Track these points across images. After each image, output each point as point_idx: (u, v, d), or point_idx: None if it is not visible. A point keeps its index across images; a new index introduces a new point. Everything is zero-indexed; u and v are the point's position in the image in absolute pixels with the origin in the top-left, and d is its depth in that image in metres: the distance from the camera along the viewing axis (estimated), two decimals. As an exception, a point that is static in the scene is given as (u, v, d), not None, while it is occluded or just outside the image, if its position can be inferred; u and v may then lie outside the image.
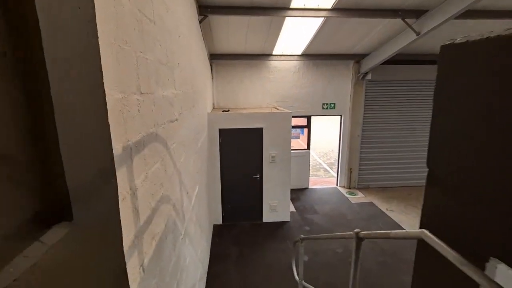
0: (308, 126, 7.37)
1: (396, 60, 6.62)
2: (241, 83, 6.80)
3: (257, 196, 5.54)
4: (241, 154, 5.33)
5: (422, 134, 7.45)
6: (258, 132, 5.27)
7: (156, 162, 1.54)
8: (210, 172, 5.29)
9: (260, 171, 5.42)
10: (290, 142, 5.38)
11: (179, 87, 2.25)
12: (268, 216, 5.67)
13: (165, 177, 1.72)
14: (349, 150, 7.35)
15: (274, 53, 6.49)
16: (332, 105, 7.15)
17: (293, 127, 6.87)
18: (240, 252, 4.64)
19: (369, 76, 6.64)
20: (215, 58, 6.45)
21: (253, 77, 6.80)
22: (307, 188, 7.63)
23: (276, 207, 5.61)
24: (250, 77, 6.79)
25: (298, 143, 7.62)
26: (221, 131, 5.21)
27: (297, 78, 6.90)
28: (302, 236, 2.79)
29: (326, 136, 15.33)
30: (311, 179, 7.91)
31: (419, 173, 7.70)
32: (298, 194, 7.17)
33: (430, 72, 6.75)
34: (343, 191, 7.37)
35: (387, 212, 6.12)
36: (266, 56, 6.58)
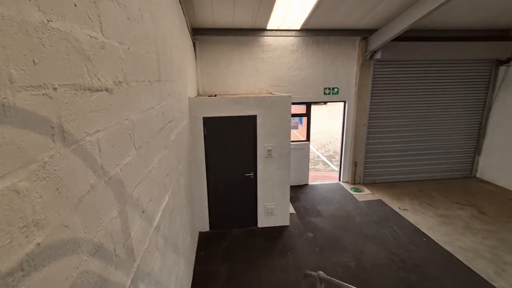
0: (307, 114, 6.46)
1: (409, 36, 5.74)
2: (230, 65, 5.79)
3: (251, 197, 4.64)
4: (231, 148, 4.39)
5: (437, 121, 6.65)
6: (251, 121, 4.33)
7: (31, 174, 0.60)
8: (194, 170, 4.34)
9: (254, 168, 4.50)
10: (289, 132, 4.46)
11: (117, 33, 1.28)
12: (264, 221, 4.78)
13: (62, 203, 0.76)
14: (354, 141, 6.50)
15: (268, 27, 5.49)
16: (335, 90, 6.24)
17: (292, 115, 6.02)
18: (230, 271, 3.74)
19: (378, 55, 5.74)
20: (198, 33, 5.41)
21: (243, 57, 5.80)
22: (307, 184, 6.78)
23: (273, 210, 4.72)
24: (240, 57, 5.79)
25: (295, 134, 6.73)
26: (206, 121, 4.24)
27: (295, 58, 5.94)
28: (321, 273, 1.89)
29: (323, 125, 14.50)
30: (311, 173, 7.05)
31: (433, 166, 6.94)
32: (297, 192, 6.31)
33: (449, 50, 5.90)
34: (347, 187, 6.55)
35: (400, 212, 5.33)
36: (258, 31, 5.58)
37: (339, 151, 10.18)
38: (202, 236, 4.57)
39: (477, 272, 3.65)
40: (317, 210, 5.46)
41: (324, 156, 9.63)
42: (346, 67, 6.13)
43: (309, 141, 6.59)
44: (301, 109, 6.50)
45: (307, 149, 6.59)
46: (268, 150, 4.43)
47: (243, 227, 4.76)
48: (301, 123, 6.85)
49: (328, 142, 11.53)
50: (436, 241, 4.37)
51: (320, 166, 8.61)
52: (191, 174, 4.00)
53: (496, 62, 6.33)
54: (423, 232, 4.62)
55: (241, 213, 4.70)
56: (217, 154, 4.39)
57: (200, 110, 4.19)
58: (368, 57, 5.92)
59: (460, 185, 6.60)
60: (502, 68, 6.28)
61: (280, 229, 4.77)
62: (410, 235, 4.56)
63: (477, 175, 7.03)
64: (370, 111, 6.37)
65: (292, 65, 5.93)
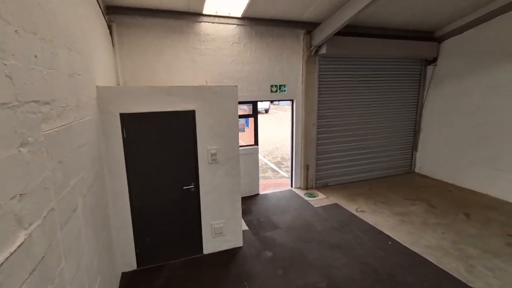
0: (254, 115, 5.78)
1: (352, 32, 5.65)
2: (160, 55, 4.76)
3: (193, 216, 3.62)
4: (162, 154, 3.34)
5: (379, 119, 6.71)
6: (188, 117, 3.38)
7: None
8: (110, 186, 3.14)
9: (195, 177, 3.52)
10: (237, 130, 3.65)
11: None
12: (211, 245, 3.79)
13: None
14: (304, 142, 6.06)
15: (204, 12, 4.69)
16: (282, 88, 5.74)
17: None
18: (166, 325, 2.64)
19: (323, 50, 5.46)
20: (116, 12, 4.27)
21: (177, 47, 4.84)
22: (258, 194, 6.02)
23: (222, 229, 3.78)
24: (174, 47, 4.81)
25: (243, 138, 5.99)
26: (126, 118, 3.13)
27: (237, 51, 5.24)
28: None
29: (267, 132, 14.17)
30: (261, 182, 6.34)
31: (378, 163, 6.96)
32: (247, 204, 5.48)
33: (385, 47, 5.99)
34: (301, 193, 6.02)
35: (358, 214, 4.97)
36: (193, 16, 4.73)
37: (287, 157, 9.88)
38: (126, 279, 3.32)
39: (451, 273, 3.34)
40: (273, 223, 4.71)
41: (272, 163, 9.10)
42: (292, 63, 5.71)
43: (257, 145, 5.89)
44: (247, 110, 5.79)
45: (256, 154, 5.87)
46: (212, 154, 3.51)
47: (184, 256, 3.68)
48: (247, 125, 6.14)
49: (274, 148, 11.14)
50: (401, 242, 4.03)
51: (269, 173, 8.00)
52: (103, 191, 2.81)
53: (424, 61, 6.76)
54: (387, 235, 4.26)
55: (181, 238, 3.62)
56: (143, 163, 3.28)
57: (116, 103, 3.06)
58: (313, 53, 5.61)
59: (404, 180, 6.73)
60: (430, 68, 6.73)
61: (233, 252, 3.83)
62: (375, 239, 4.15)
63: (416, 170, 7.34)
64: (318, 110, 6.04)
65: (235, 58, 5.21)
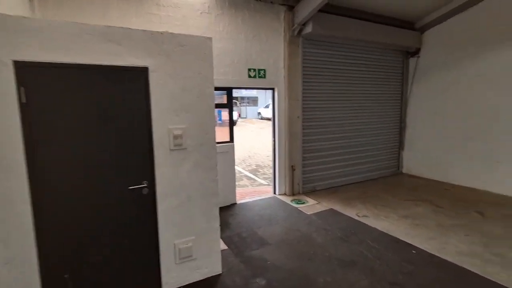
0: (229, 105, 4.72)
1: (337, 13, 5.00)
2: (103, 19, 3.54)
3: (145, 232, 2.35)
4: (94, 134, 2.09)
5: (366, 114, 6.07)
6: (138, 79, 2.20)
7: None
8: (-12, 188, 1.79)
9: (148, 172, 2.29)
10: (212, 104, 2.55)
11: None
12: (175, 275, 2.51)
13: None
14: (289, 139, 5.11)
15: (165, -35, 3.65)
16: (262, 73, 4.80)
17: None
18: None
19: (308, 28, 4.69)
20: None
21: (127, 11, 3.68)
22: (235, 204, 4.85)
23: (191, 251, 2.54)
24: (122, 10, 3.64)
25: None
26: (26, 71, 1.87)
27: (207, 23, 4.23)
28: None
29: (239, 141, 13.08)
30: (237, 190, 5.19)
31: (367, 164, 6.25)
32: (223, 216, 4.27)
33: (372, 31, 5.46)
34: (287, 200, 4.98)
35: (362, 220, 4.06)
36: (150, -31, 3.65)
37: (262, 164, 8.87)
38: None
39: (506, 285, 2.50)
40: (260, 237, 3.57)
41: (246, 170, 8.00)
42: (272, 44, 4.84)
43: (233, 142, 4.79)
44: (220, 98, 4.72)
45: (232, 153, 4.76)
46: (176, 137, 2.35)
47: (131, 298, 2.35)
48: (220, 119, 5.03)
49: (247, 157, 10.09)
50: (427, 250, 3.16)
51: (245, 181, 6.87)
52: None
53: (406, 53, 6.39)
54: (405, 242, 3.37)
55: (125, 270, 2.30)
56: (59, 150, 1.99)
57: (8, 43, 1.80)
58: (296, 32, 4.82)
59: (395, 182, 6.08)
60: (413, 60, 6.37)
61: (208, 284, 2.60)
62: (393, 248, 3.23)
63: (404, 171, 6.79)
64: (303, 100, 5.19)
65: (204, 32, 4.17)
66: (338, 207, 4.58)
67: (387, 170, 6.61)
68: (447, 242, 3.33)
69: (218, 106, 4.67)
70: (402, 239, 3.44)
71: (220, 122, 4.98)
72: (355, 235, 3.58)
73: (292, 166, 5.16)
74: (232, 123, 4.75)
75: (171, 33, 2.31)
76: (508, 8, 4.75)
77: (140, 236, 2.32)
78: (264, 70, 4.80)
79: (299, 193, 5.31)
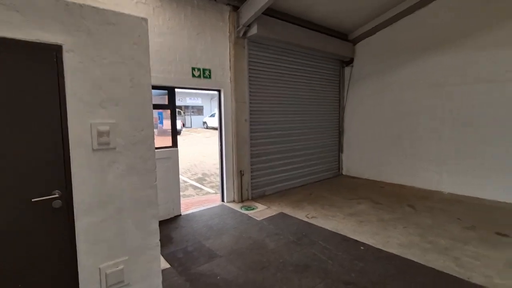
0: (171, 106, 4.30)
1: (280, 18, 5.09)
2: None
3: (58, 257, 1.81)
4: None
5: (309, 119, 6.28)
6: (48, 58, 1.72)
7: None
8: None
9: (63, 180, 1.78)
10: (149, 95, 2.17)
11: None
12: (101, 309, 2.00)
13: None
14: (237, 143, 4.91)
15: None
16: (207, 73, 4.53)
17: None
18: None
19: (254, 30, 4.63)
20: None
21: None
22: (180, 216, 4.38)
23: (122, 275, 2.06)
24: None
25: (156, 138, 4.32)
26: None
27: (144, 15, 3.79)
28: None
29: (183, 150, 12.34)
30: (182, 201, 4.72)
31: (311, 167, 6.43)
32: (165, 230, 3.79)
33: (313, 39, 5.71)
34: (236, 207, 4.73)
35: (311, 221, 4.04)
36: None
37: (209, 172, 8.42)
38: None
39: (446, 271, 2.69)
40: (208, 250, 3.22)
41: (192, 180, 7.48)
42: (218, 44, 4.63)
43: (176, 147, 4.36)
44: (160, 99, 4.27)
45: (175, 160, 4.31)
46: (101, 134, 1.90)
47: None
48: (161, 122, 4.54)
49: (193, 165, 9.52)
50: (373, 245, 3.26)
51: (190, 191, 6.37)
52: None
53: (342, 62, 6.89)
54: (353, 239, 3.43)
55: (29, 312, 1.72)
56: None
57: None
58: (241, 34, 4.72)
59: (337, 183, 6.39)
60: (348, 69, 6.90)
61: (146, 314, 2.15)
62: (343, 247, 3.24)
63: (344, 173, 7.21)
64: (251, 103, 5.08)
65: (141, 23, 3.73)
66: (288, 210, 4.51)
67: (329, 172, 6.92)
68: (390, 236, 3.50)
69: (159, 107, 4.21)
70: (351, 236, 3.50)
71: (161, 125, 4.50)
72: (307, 237, 3.51)
73: (240, 171, 4.95)
74: (175, 126, 4.32)
75: (94, 7, 1.90)
76: (424, 23, 5.49)
77: (51, 264, 1.77)
78: (210, 70, 4.54)
79: (248, 199, 5.11)
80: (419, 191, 5.50)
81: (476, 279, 2.52)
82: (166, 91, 4.19)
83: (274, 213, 4.41)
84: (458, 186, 5.22)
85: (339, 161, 7.20)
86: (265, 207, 4.73)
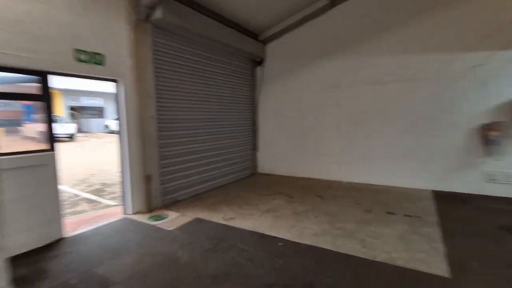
0: (45, 97, 3.29)
1: (192, 7, 4.70)
2: None
3: None
4: None
5: (224, 118, 6.05)
6: None
7: None
8: None
9: None
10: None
11: None
12: None
13: None
14: (142, 144, 4.21)
15: None
16: (98, 58, 3.70)
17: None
18: None
19: (158, 14, 4.07)
20: None
21: None
22: (62, 239, 3.39)
23: None
24: None
25: (18, 141, 3.21)
26: None
27: (-6, -31, 2.76)
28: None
29: (72, 159, 10.16)
30: (71, 219, 3.70)
31: (226, 168, 6.22)
32: (38, 261, 2.83)
33: (226, 33, 5.52)
34: (142, 219, 4.04)
35: (230, 223, 3.79)
36: None
37: (110, 182, 7.10)
38: None
39: (355, 254, 2.85)
40: (100, 278, 2.52)
41: (87, 192, 6.14)
42: (113, 25, 3.86)
43: (53, 150, 3.37)
44: (27, 87, 3.21)
45: (51, 167, 3.31)
46: None
47: None
48: (30, 119, 3.44)
49: (89, 175, 7.90)
50: (290, 239, 3.24)
51: (84, 206, 5.16)
52: None
53: (254, 62, 6.97)
54: (272, 236, 3.35)
55: None
56: None
57: None
58: (144, 17, 4.08)
59: (254, 181, 6.39)
60: (260, 68, 7.03)
61: None
62: (262, 246, 3.10)
63: (259, 171, 7.31)
64: (157, 98, 4.47)
65: (-12, -20, 2.69)
66: (203, 215, 4.13)
67: (246, 171, 6.88)
68: (304, 227, 3.58)
69: (24, 97, 3.15)
70: (268, 233, 3.41)
71: (29, 122, 3.41)
72: (225, 241, 3.23)
73: (147, 177, 4.27)
74: (50, 123, 3.32)
75: None
76: (323, 30, 6.04)
77: None
78: (102, 55, 3.72)
79: (158, 208, 4.46)
80: (324, 182, 6.02)
81: (380, 257, 2.76)
82: (36, 77, 3.17)
83: (188, 220, 3.95)
84: (353, 175, 5.95)
85: (254, 159, 7.25)
86: (178, 214, 4.21)
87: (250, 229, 3.55)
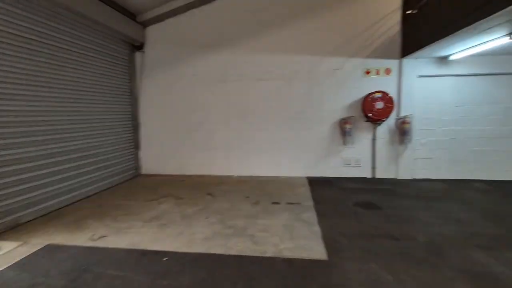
0: None
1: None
2: None
3: None
4: None
5: (96, 112, 4.87)
6: None
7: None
8: None
9: None
10: None
11: None
12: None
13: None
14: None
15: None
16: None
17: None
18: None
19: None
20: None
21: None
22: None
23: None
24: None
25: None
26: None
27: None
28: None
29: None
30: None
31: (98, 172, 5.11)
32: None
33: (98, 8, 4.36)
34: None
35: (99, 244, 3.02)
36: None
37: None
38: None
39: (250, 254, 2.75)
40: None
41: None
42: None
43: None
44: None
45: None
46: None
47: None
48: None
49: None
50: (178, 251, 2.85)
51: None
52: None
53: (132, 47, 5.96)
54: (154, 251, 2.85)
55: None
56: None
57: None
58: None
59: (136, 184, 5.54)
60: (139, 54, 6.07)
61: None
62: (142, 266, 2.58)
63: (143, 172, 6.42)
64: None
65: None
66: (60, 239, 3.14)
67: (125, 174, 5.88)
68: (194, 232, 3.26)
69: None
70: (151, 248, 2.90)
71: None
72: (89, 271, 2.50)
73: (-46, 197, 2.85)
74: None
75: None
76: (209, 21, 5.76)
77: None
78: None
79: (-20, 240, 3.09)
80: (215, 178, 5.87)
81: (269, 251, 2.77)
82: None
83: (33, 250, 2.89)
84: (243, 168, 6.07)
85: (136, 159, 6.30)
86: (18, 244, 3.04)
87: (128, 247, 2.93)
